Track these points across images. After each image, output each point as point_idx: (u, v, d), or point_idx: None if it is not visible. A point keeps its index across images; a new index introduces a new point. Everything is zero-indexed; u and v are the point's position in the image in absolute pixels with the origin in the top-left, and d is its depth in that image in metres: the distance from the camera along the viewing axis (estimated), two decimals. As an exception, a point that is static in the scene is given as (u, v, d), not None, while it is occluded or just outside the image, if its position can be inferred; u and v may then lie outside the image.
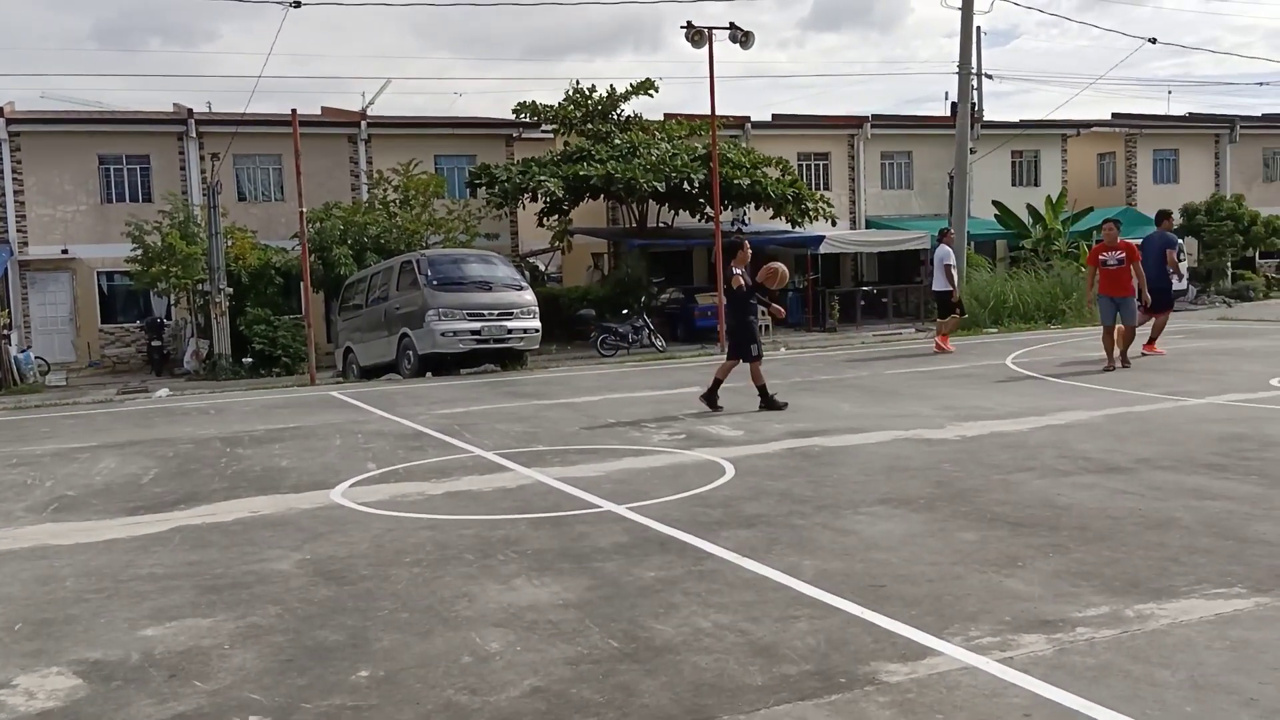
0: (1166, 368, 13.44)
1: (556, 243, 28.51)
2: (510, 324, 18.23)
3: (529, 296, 18.96)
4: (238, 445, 10.39)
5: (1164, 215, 16.09)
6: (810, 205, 28.20)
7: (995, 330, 21.86)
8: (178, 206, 24.99)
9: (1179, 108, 59.81)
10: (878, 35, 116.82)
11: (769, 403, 11.15)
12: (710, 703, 3.75)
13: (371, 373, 19.48)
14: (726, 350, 11.95)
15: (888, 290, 31.57)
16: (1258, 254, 36.80)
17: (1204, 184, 37.91)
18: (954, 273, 17.67)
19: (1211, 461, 7.45)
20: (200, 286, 24.06)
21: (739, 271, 11.40)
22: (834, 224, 29.69)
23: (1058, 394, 11.48)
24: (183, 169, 28.24)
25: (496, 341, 18.15)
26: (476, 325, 17.84)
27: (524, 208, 28.96)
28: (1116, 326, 13.40)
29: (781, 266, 11.69)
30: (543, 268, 33.74)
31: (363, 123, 29.75)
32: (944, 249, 17.52)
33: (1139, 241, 14.83)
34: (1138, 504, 6.30)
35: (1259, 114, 41.52)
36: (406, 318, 18.30)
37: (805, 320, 29.88)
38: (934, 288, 18.06)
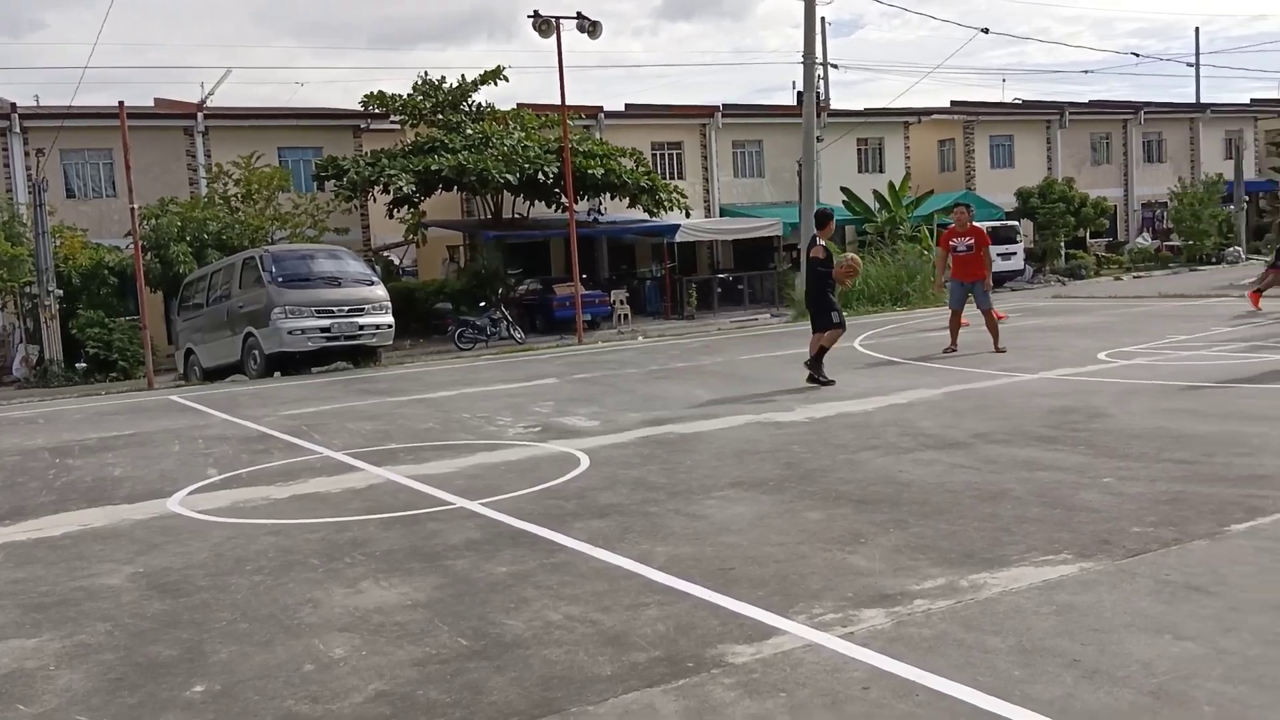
0: (1003, 344, 14.00)
1: (410, 236, 28.02)
2: (362, 320, 17.83)
3: (381, 291, 18.58)
4: (68, 455, 9.88)
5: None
6: (664, 195, 28.41)
7: (845, 313, 22.39)
8: (1, 205, 23.57)
9: (1013, 95, 62.58)
10: (730, 24, 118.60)
11: (816, 375, 11.24)
12: (559, 695, 3.73)
13: (215, 374, 18.80)
14: (816, 323, 11.71)
15: (743, 277, 32.08)
16: (1088, 234, 38.80)
17: (1037, 168, 39.74)
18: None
19: (1042, 434, 7.80)
20: (28, 289, 22.78)
21: (822, 243, 11.57)
22: (689, 213, 29.99)
23: (902, 374, 11.85)
24: (6, 166, 26.69)
25: (348, 338, 17.74)
26: (326, 322, 17.39)
27: (374, 201, 28.35)
28: (992, 312, 13.45)
29: (853, 262, 12.10)
30: (397, 261, 33.13)
31: (200, 114, 28.62)
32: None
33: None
34: (973, 477, 6.55)
35: (1086, 100, 43.76)
36: (251, 316, 17.71)
37: (663, 308, 30.14)
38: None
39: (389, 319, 18.32)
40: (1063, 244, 36.88)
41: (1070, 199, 36.38)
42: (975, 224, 14.06)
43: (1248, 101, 46.52)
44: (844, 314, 11.58)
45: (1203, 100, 46.42)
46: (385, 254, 31.73)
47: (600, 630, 4.32)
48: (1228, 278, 26.65)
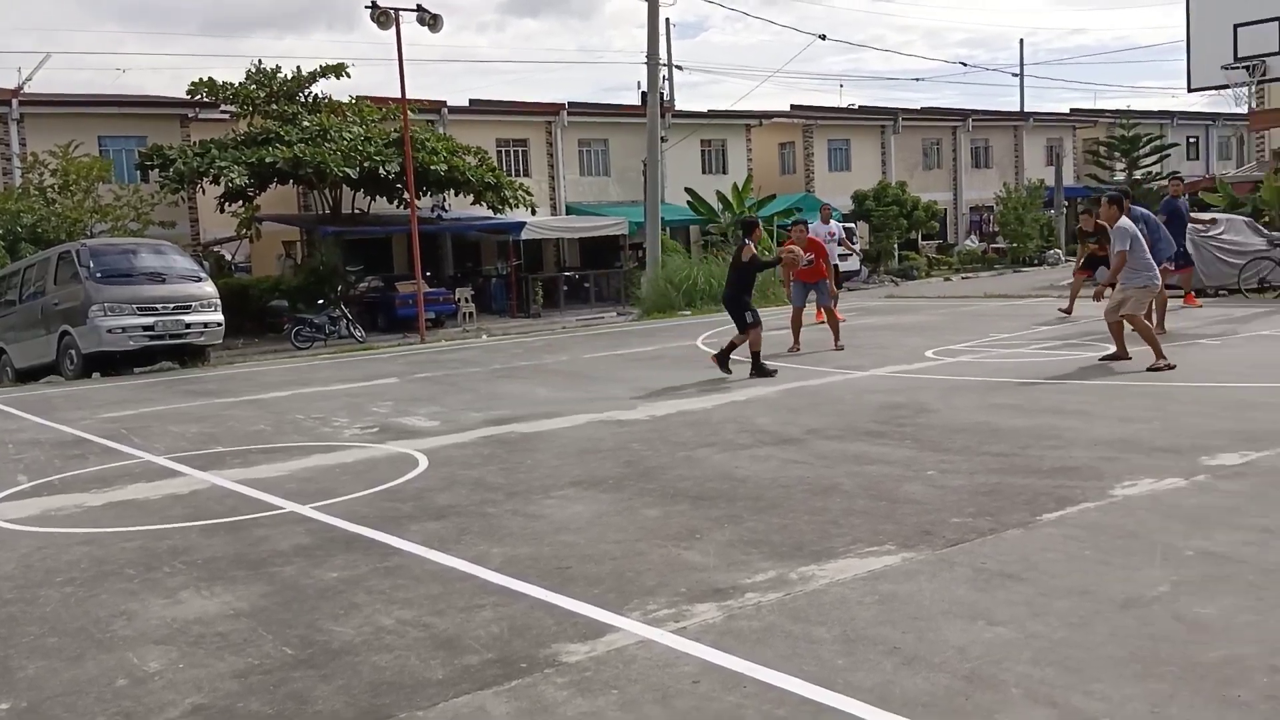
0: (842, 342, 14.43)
1: (243, 231, 27.03)
2: (188, 318, 17.08)
3: (209, 288, 17.84)
4: None
5: (1173, 179, 15.16)
6: (510, 192, 28.22)
7: (689, 312, 22.74)
8: None
9: (851, 100, 64.48)
10: (577, 23, 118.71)
11: (759, 369, 11.36)
12: (388, 702, 3.65)
13: (29, 376, 17.73)
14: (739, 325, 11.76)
15: (590, 275, 32.16)
16: (920, 236, 40.37)
17: (872, 172, 41.13)
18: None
19: (872, 429, 8.06)
20: None
21: (752, 245, 11.71)
22: (535, 211, 29.88)
23: (740, 371, 12.05)
24: None
25: (173, 337, 16.97)
26: (149, 320, 16.60)
27: (204, 193, 27.23)
28: (834, 310, 14.00)
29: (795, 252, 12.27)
30: (229, 257, 31.94)
31: (14, 101, 26.95)
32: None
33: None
34: (806, 472, 6.72)
35: (919, 107, 45.51)
36: (67, 314, 16.77)
37: (509, 307, 29.94)
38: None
39: (218, 317, 17.62)
40: (896, 245, 38.26)
41: (903, 202, 37.77)
42: (834, 223, 14.59)
43: (1067, 111, 49.24)
44: (757, 312, 11.74)
45: (1026, 109, 48.84)
46: (216, 249, 30.56)
47: (433, 634, 4.25)
48: (1048, 279, 28.09)
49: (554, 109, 34.35)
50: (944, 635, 3.92)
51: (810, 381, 10.85)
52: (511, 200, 28.33)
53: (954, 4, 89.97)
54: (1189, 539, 4.88)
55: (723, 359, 11.47)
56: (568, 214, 33.84)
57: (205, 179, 25.56)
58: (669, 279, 24.12)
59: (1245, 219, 19.49)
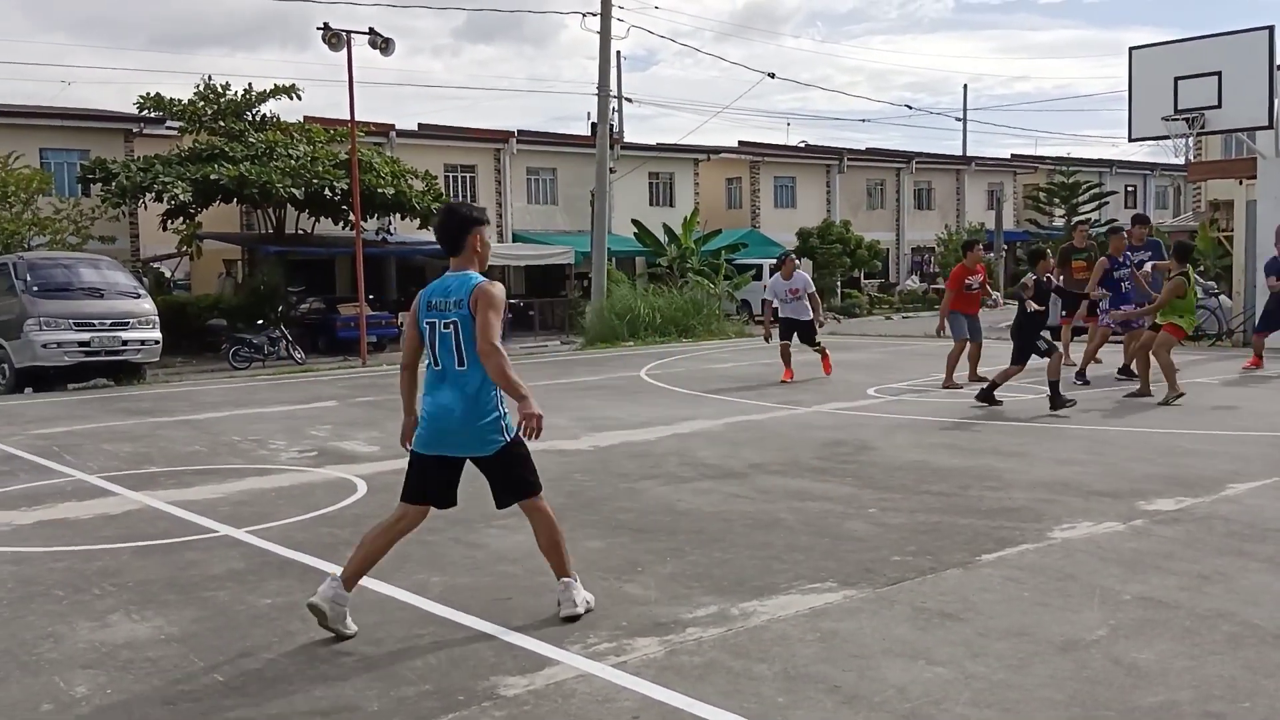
0: (780, 378, 14.53)
1: (184, 248, 26.59)
2: (125, 334, 16.75)
3: (147, 305, 17.52)
4: None
5: (1139, 221, 13.91)
6: (457, 217, 28.03)
7: (633, 343, 22.77)
8: None
9: (798, 138, 65.35)
10: (531, 51, 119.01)
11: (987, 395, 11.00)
12: (321, 734, 3.57)
13: (-41, 389, 17.22)
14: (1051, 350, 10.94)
15: (535, 304, 32.08)
16: (863, 274, 40.89)
17: (817, 210, 41.64)
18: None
19: (814, 465, 8.11)
20: None
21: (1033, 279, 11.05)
22: (481, 237, 29.70)
23: (685, 404, 12.09)
24: None
25: (109, 353, 16.62)
26: (85, 336, 16.25)
27: (145, 209, 26.76)
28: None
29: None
30: (168, 274, 31.38)
31: (-48, 109, 26.35)
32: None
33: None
34: (748, 507, 6.73)
35: (864, 147, 46.20)
36: (1, 327, 16.37)
37: (452, 332, 29.69)
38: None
39: (156, 334, 17.30)
40: (839, 283, 38.71)
41: (847, 240, 38.26)
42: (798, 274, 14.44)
43: (1008, 156, 50.29)
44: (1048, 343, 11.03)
45: (969, 153, 49.83)
46: (155, 266, 30.00)
47: (369, 664, 4.18)
48: (986, 320, 28.51)
49: (503, 136, 34.35)
50: (884, 674, 3.93)
51: (753, 416, 10.89)
52: (459, 226, 28.13)
53: (900, 48, 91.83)
54: (1126, 583, 4.96)
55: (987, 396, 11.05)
56: (514, 241, 33.78)
57: (148, 194, 25.12)
58: (614, 309, 24.15)
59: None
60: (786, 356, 14.37)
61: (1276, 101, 14.68)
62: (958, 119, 52.56)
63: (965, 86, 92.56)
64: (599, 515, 6.59)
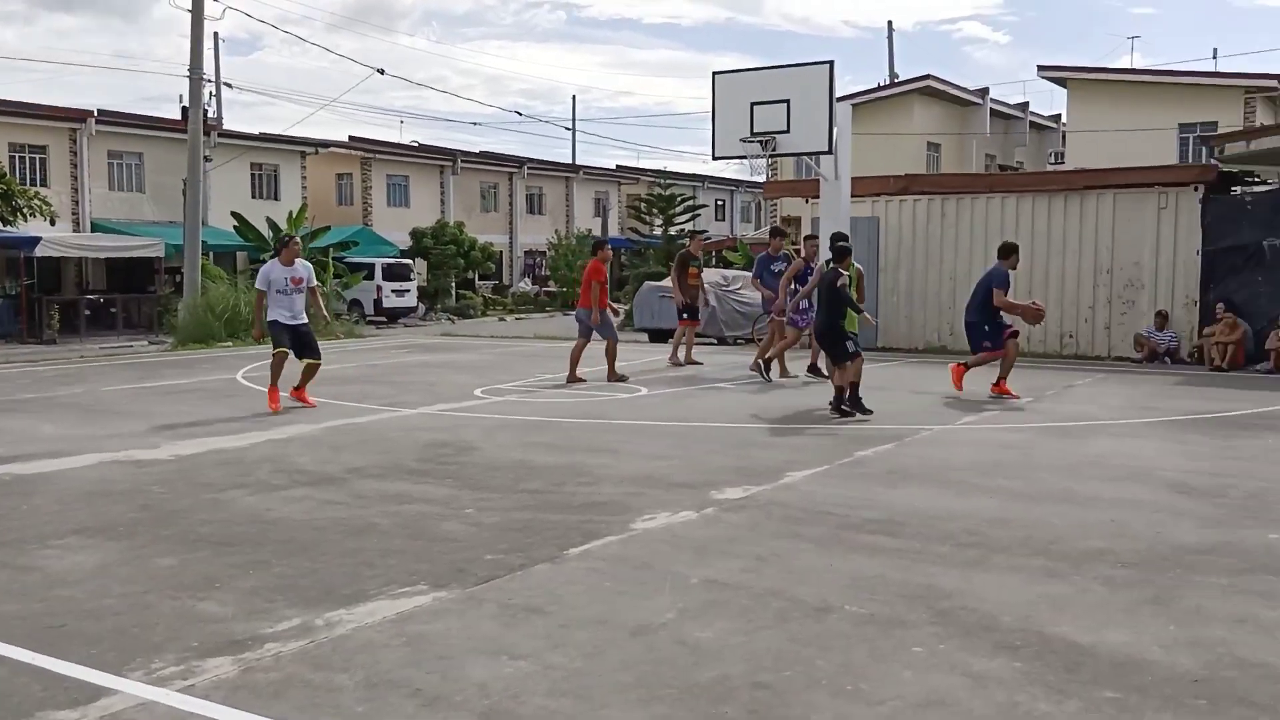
0: (387, 380, 14.32)
1: None
2: None
3: None
4: None
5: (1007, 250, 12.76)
6: (23, 202, 25.15)
7: (231, 343, 21.49)
8: None
9: (412, 137, 64.70)
10: (120, 24, 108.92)
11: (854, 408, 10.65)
12: None
13: None
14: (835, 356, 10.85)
15: (118, 300, 29.38)
16: (477, 276, 41.20)
17: (432, 210, 41.45)
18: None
19: (415, 468, 8.03)
20: None
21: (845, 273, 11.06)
22: (54, 223, 26.86)
23: (288, 407, 11.56)
24: None
25: None
26: None
27: None
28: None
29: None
30: None
31: None
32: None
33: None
34: (342, 513, 6.54)
35: (478, 151, 46.57)
36: None
37: (18, 331, 26.58)
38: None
39: None
40: (453, 284, 38.76)
41: (461, 242, 38.41)
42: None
43: (614, 167, 52.67)
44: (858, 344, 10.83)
45: (578, 162, 51.61)
46: None
47: (-122, 714, 3.62)
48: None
49: (80, 115, 31.16)
50: (467, 673, 3.96)
51: (357, 419, 10.63)
52: (26, 211, 25.27)
53: (514, 55, 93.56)
54: (694, 568, 5.32)
55: (853, 403, 10.63)
56: (94, 231, 30.77)
57: None
58: (210, 307, 22.67)
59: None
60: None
61: (834, 130, 16.36)
62: (567, 128, 54.31)
63: (574, 97, 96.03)
64: (175, 529, 6.14)
